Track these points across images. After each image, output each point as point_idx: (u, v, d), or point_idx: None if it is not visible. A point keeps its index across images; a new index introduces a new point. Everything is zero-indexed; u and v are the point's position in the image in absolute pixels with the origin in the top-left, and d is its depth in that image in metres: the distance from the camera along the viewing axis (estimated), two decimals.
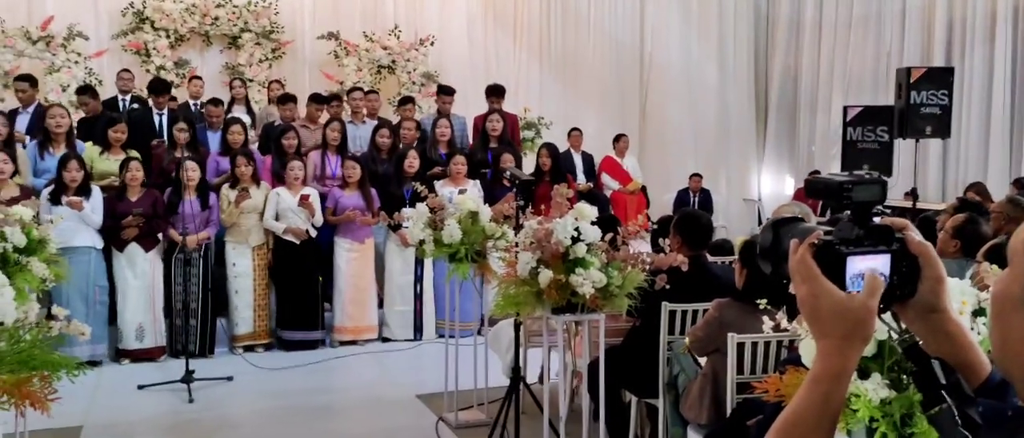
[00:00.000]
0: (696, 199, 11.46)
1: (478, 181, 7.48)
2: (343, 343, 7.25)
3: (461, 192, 5.46)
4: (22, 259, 3.93)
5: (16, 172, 6.39)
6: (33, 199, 4.47)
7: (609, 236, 3.84)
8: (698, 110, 13.15)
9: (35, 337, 2.25)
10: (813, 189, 1.21)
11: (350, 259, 7.24)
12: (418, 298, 7.47)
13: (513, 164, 7.58)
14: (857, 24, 12.06)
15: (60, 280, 4.26)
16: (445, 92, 8.88)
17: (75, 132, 7.18)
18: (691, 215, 4.63)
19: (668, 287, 3.87)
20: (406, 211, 7.02)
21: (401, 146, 7.77)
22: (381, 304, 7.51)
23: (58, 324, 2.42)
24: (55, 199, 6.29)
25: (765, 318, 2.64)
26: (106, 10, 10.65)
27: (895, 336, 1.17)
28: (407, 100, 9.07)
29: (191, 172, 6.63)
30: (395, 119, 8.70)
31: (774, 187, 13.40)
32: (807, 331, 2.38)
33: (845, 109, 10.03)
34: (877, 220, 1.14)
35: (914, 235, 1.14)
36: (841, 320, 1.09)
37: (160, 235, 6.76)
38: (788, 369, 2.34)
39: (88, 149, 7.00)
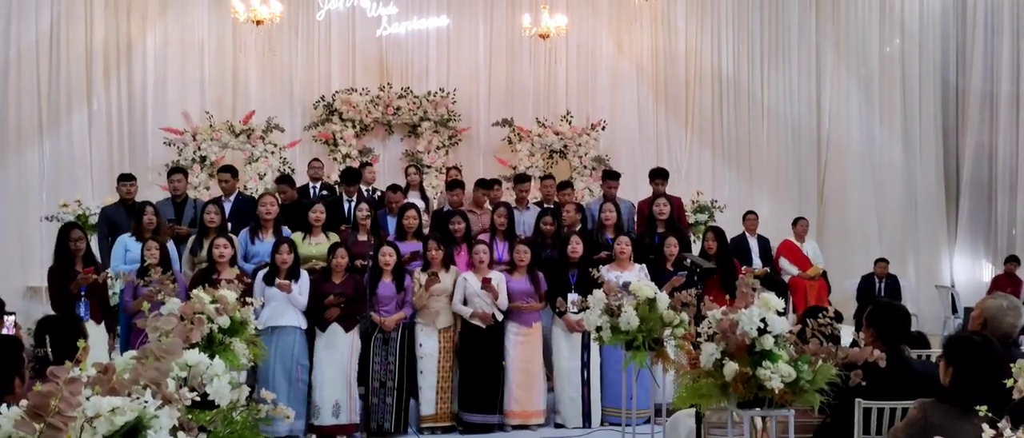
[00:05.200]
0: (882, 285, 10.80)
1: (644, 265, 7.38)
2: (514, 427, 7.24)
3: (624, 284, 5.38)
4: (226, 339, 4.21)
5: (235, 256, 6.83)
6: (236, 282, 4.79)
7: (797, 328, 3.67)
8: (882, 192, 12.51)
9: (245, 420, 2.39)
10: None
11: (518, 343, 7.25)
12: (586, 383, 7.37)
13: (678, 247, 7.45)
14: None
15: (259, 360, 4.50)
16: (610, 177, 8.88)
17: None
18: (887, 306, 4.33)
19: (863, 384, 3.64)
20: (571, 296, 7.03)
21: (565, 230, 7.81)
22: (552, 389, 7.47)
23: (266, 407, 2.56)
24: (269, 281, 6.70)
25: (985, 426, 2.41)
26: (300, 103, 11.52)
27: None
28: (566, 184, 9.08)
29: (388, 256, 6.93)
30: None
31: (969, 273, 12.43)
32: None
33: None
34: None
35: None
36: None
37: (359, 316, 7.00)
38: None
39: (293, 236, 7.40)
